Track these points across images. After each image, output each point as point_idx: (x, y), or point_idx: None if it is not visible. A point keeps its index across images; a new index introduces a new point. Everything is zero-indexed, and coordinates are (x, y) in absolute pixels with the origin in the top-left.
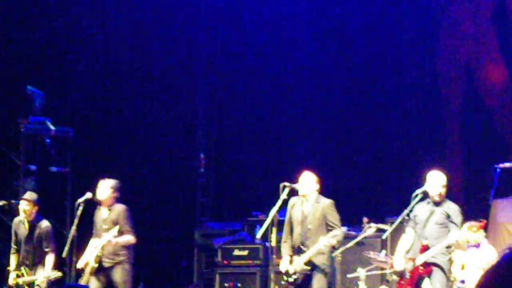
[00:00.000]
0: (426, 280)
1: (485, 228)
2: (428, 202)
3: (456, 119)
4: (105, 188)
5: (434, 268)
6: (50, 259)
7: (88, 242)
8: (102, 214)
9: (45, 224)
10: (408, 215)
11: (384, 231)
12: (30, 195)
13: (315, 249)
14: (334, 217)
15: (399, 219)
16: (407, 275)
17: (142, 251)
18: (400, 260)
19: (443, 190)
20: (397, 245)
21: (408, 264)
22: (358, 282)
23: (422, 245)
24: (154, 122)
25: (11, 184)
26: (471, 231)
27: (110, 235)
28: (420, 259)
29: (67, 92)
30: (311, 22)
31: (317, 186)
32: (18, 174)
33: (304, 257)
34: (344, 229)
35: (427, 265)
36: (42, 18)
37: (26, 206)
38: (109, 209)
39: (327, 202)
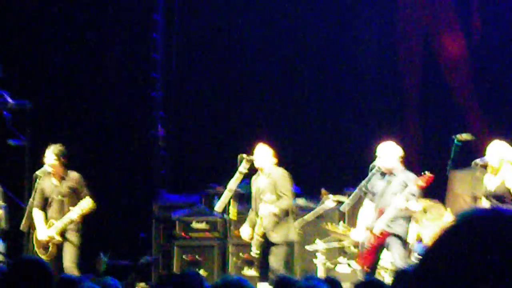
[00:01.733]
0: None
1: (431, 183)
2: (385, 173)
3: (415, 89)
4: (50, 156)
5: (392, 239)
6: None
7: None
8: (53, 182)
9: None
10: (366, 187)
11: (342, 203)
12: None
13: (263, 218)
14: (284, 186)
15: (357, 191)
16: (367, 245)
17: (100, 223)
18: (359, 231)
19: (394, 160)
20: (357, 218)
21: (367, 234)
22: (317, 254)
23: (380, 212)
24: (113, 94)
25: None
26: (417, 185)
27: (77, 211)
28: (377, 226)
29: (25, 65)
30: None
31: (273, 159)
32: None
33: (257, 230)
34: (303, 201)
35: (385, 233)
36: None
37: None
38: (62, 177)
39: (279, 172)
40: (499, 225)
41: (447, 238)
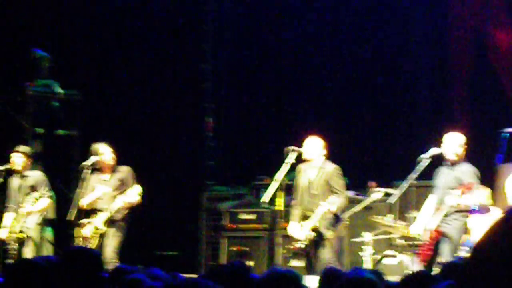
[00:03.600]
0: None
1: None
2: (445, 166)
3: (465, 82)
4: (107, 151)
5: (446, 233)
6: (43, 202)
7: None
8: (101, 178)
9: (37, 173)
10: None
11: (391, 195)
12: (24, 148)
13: (317, 215)
14: (337, 183)
15: (406, 183)
16: (424, 240)
17: (149, 214)
18: (418, 225)
19: (457, 151)
20: (408, 210)
21: (426, 232)
22: (364, 247)
23: (437, 207)
24: (162, 84)
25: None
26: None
27: (123, 198)
28: (432, 223)
29: (75, 55)
30: None
31: (324, 151)
32: (26, 137)
33: (310, 224)
34: (351, 193)
35: (439, 230)
36: None
37: (20, 158)
38: (113, 171)
39: (332, 167)
40: None
41: (497, 232)
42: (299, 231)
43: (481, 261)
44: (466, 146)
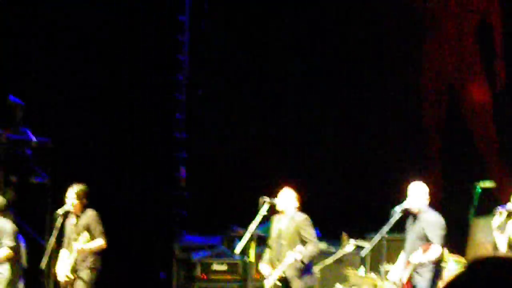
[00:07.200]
0: None
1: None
2: (412, 216)
3: (438, 136)
4: (71, 195)
5: (417, 285)
6: (1, 252)
7: (59, 252)
8: (71, 222)
9: (2, 223)
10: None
11: (363, 247)
12: None
13: (284, 264)
14: (308, 232)
15: (378, 236)
16: None
17: (121, 263)
18: (393, 274)
19: (422, 201)
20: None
21: (398, 283)
22: None
23: (407, 261)
24: (135, 133)
25: None
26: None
27: (80, 243)
28: (404, 276)
29: (46, 102)
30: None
31: (296, 203)
32: None
33: (276, 273)
34: (323, 245)
35: (411, 284)
36: (22, 27)
37: None
38: (78, 216)
39: (301, 217)
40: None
41: (455, 283)
42: (269, 271)
43: None
44: (429, 196)
